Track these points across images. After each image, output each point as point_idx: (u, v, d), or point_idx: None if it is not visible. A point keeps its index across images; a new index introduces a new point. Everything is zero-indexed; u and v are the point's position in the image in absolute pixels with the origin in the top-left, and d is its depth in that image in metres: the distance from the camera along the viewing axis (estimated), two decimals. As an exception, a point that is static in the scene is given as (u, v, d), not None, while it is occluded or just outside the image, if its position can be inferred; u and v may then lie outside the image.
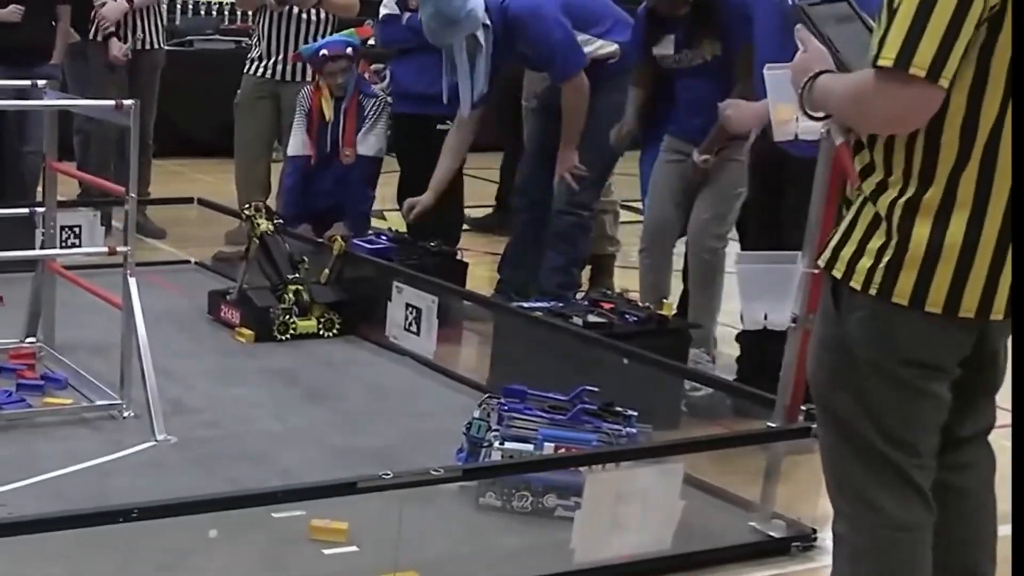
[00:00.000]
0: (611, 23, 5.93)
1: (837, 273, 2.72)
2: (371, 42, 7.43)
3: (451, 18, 5.73)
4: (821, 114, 2.79)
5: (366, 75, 6.85)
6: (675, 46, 5.33)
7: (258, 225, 5.96)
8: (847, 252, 2.71)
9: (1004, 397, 2.94)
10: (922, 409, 2.73)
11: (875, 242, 2.67)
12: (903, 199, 2.64)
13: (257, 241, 5.97)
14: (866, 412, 2.74)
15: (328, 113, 6.59)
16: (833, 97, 2.70)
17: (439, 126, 6.42)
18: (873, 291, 2.66)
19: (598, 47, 5.86)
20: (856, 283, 2.68)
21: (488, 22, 5.80)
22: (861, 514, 2.78)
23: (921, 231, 2.62)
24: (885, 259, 2.65)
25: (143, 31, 7.63)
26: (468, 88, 5.87)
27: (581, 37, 5.83)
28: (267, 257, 5.95)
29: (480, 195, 8.24)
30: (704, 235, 5.30)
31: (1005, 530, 3.09)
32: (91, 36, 7.58)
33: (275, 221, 6.06)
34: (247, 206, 6.16)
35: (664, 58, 5.38)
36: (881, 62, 2.53)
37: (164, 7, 8.05)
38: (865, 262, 2.67)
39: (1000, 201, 2.61)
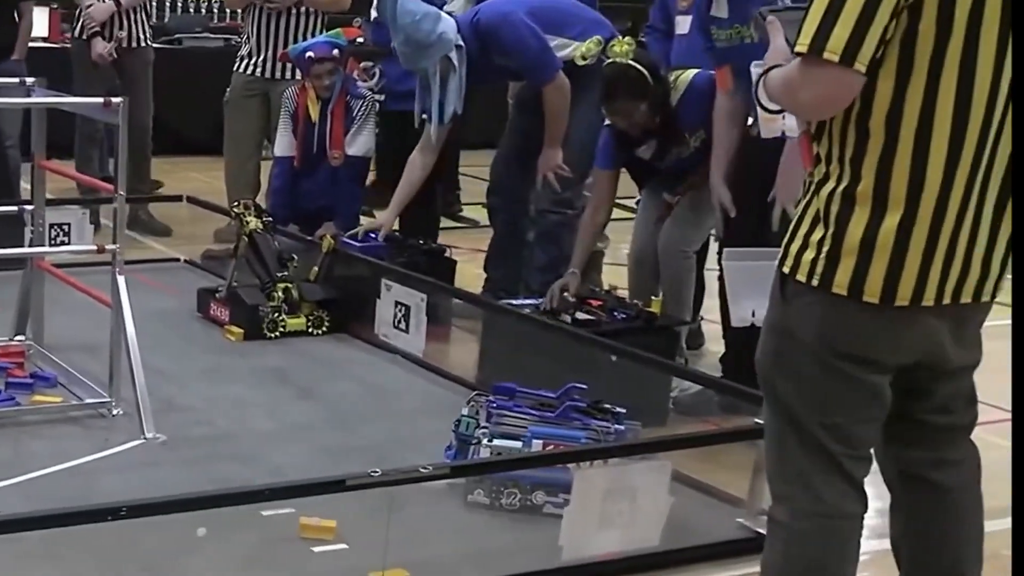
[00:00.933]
0: (584, 24, 5.93)
1: (785, 268, 2.76)
2: (360, 40, 7.42)
3: (422, 43, 5.74)
4: (776, 107, 2.83)
5: (355, 73, 6.84)
6: (657, 151, 5.34)
7: (247, 223, 5.96)
8: (794, 247, 2.75)
9: (999, 396, 2.96)
10: (857, 400, 2.77)
11: (816, 234, 2.70)
12: (839, 189, 2.67)
13: (246, 239, 5.97)
14: (804, 398, 2.78)
15: (314, 114, 6.58)
16: (772, 87, 2.74)
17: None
18: (815, 282, 2.69)
19: (573, 49, 5.87)
20: (801, 276, 2.72)
21: (461, 43, 5.81)
22: (801, 498, 2.81)
23: (856, 221, 2.65)
24: (824, 250, 2.68)
25: (129, 29, 7.63)
26: (439, 112, 5.89)
27: (556, 41, 5.84)
28: (256, 255, 5.95)
29: (477, 193, 8.23)
30: (671, 248, 5.32)
31: (1000, 525, 3.12)
32: (76, 34, 7.59)
33: (264, 218, 6.06)
34: (236, 203, 6.16)
35: (651, 159, 5.39)
36: (798, 48, 2.59)
37: (151, 5, 8.04)
38: (809, 255, 2.71)
39: (933, 191, 2.63)
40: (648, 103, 5.14)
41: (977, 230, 2.69)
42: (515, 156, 6.17)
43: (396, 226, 6.49)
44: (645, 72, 5.16)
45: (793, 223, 2.78)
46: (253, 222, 5.97)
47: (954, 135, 2.62)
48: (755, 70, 3.79)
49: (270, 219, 6.12)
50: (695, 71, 5.25)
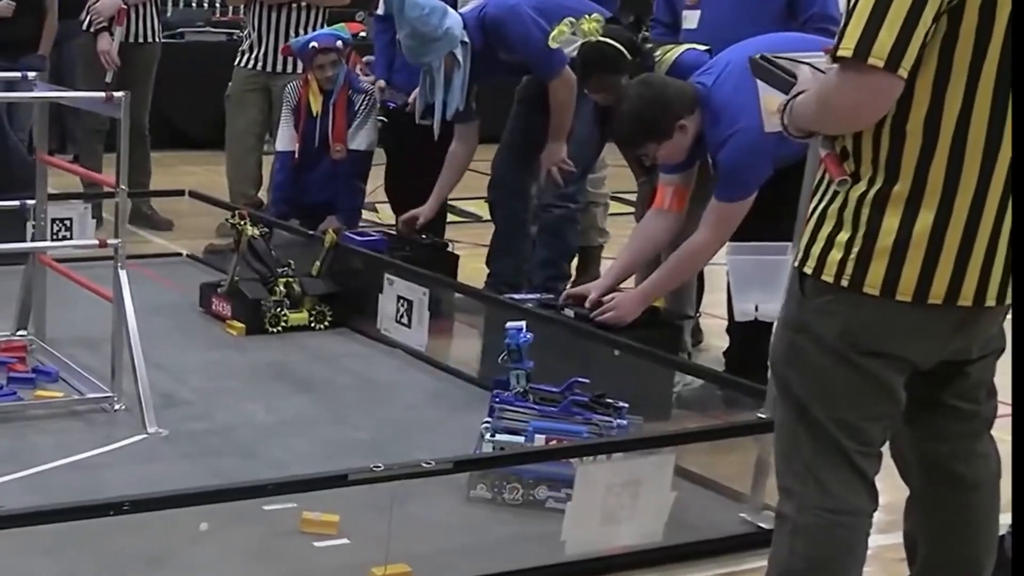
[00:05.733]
0: None
1: (808, 269, 2.75)
2: (363, 35, 7.42)
3: (428, 37, 5.73)
4: (801, 133, 2.80)
5: (357, 67, 6.84)
6: None
7: (244, 232, 5.94)
8: (816, 248, 2.74)
9: (1004, 390, 2.97)
10: (871, 396, 2.77)
11: (844, 235, 2.69)
12: (872, 192, 2.66)
13: (246, 243, 5.95)
14: (818, 393, 2.78)
15: (316, 107, 6.57)
16: (803, 105, 2.72)
17: (421, 120, 6.40)
18: (845, 282, 2.69)
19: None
20: (828, 276, 2.71)
21: (467, 39, 5.80)
22: (809, 493, 2.81)
23: (890, 223, 2.65)
24: (855, 251, 2.67)
25: (136, 24, 7.63)
26: (441, 107, 5.89)
27: None
28: (256, 257, 5.94)
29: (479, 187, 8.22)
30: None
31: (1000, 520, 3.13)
32: (84, 28, 7.61)
33: (260, 228, 6.04)
34: (232, 214, 6.14)
35: None
36: (841, 52, 2.57)
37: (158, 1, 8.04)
38: (835, 255, 2.70)
39: (968, 191, 2.63)
40: (628, 76, 5.10)
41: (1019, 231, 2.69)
42: (517, 151, 6.15)
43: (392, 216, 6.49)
44: (619, 47, 5.13)
45: (813, 224, 2.76)
46: (250, 230, 5.95)
47: (991, 136, 2.62)
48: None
49: (267, 230, 6.12)
50: (683, 48, 5.19)
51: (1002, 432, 3.01)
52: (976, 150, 2.62)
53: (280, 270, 5.90)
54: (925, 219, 2.63)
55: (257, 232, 5.99)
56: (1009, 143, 2.63)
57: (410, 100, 6.39)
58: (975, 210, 2.63)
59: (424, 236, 6.28)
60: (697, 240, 4.80)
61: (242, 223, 5.96)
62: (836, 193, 2.72)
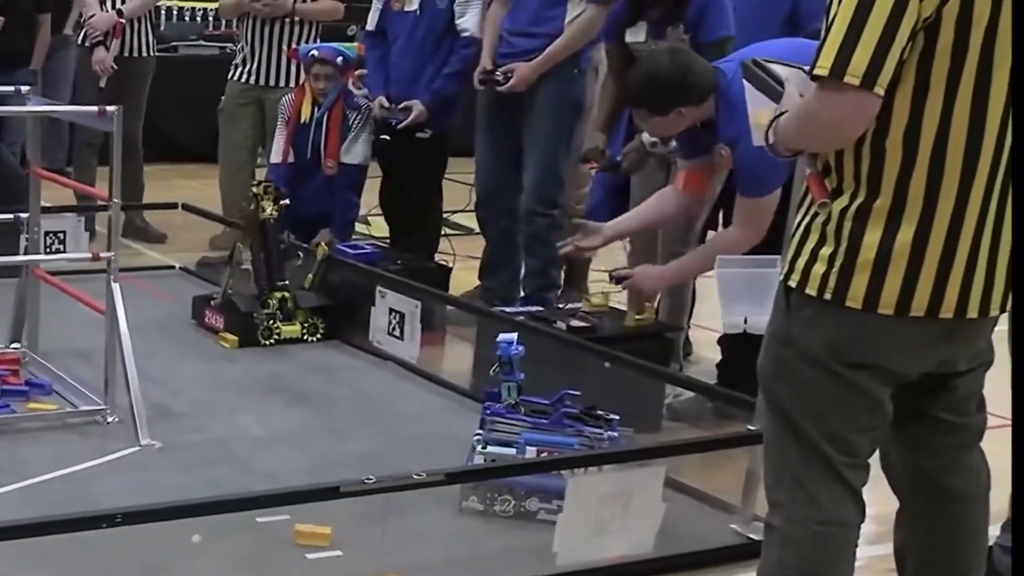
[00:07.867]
0: None
1: (791, 282, 2.77)
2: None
3: None
4: (789, 153, 2.82)
5: (351, 81, 6.85)
6: (648, 33, 5.29)
7: (263, 208, 5.91)
8: (801, 262, 2.76)
9: (990, 401, 3.00)
10: (858, 408, 2.78)
11: (826, 248, 2.71)
12: (853, 206, 2.69)
13: (257, 226, 5.90)
14: (805, 405, 2.80)
15: (305, 115, 6.57)
16: (787, 124, 2.74)
17: (418, 133, 6.42)
18: (828, 296, 2.71)
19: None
20: (812, 289, 2.73)
21: None
22: (797, 505, 2.82)
23: (871, 236, 2.67)
24: (837, 264, 2.69)
25: (132, 38, 7.66)
26: None
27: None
28: (264, 247, 5.90)
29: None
30: (671, 244, 5.32)
31: (994, 529, 3.15)
32: (80, 42, 7.64)
33: (281, 203, 5.95)
34: (255, 183, 6.08)
35: (635, 46, 5.33)
36: (817, 71, 2.59)
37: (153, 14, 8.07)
38: (819, 268, 2.72)
39: (947, 204, 2.65)
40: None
41: (998, 243, 2.72)
42: (497, 165, 6.15)
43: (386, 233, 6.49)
44: None
45: (797, 238, 2.78)
46: (269, 208, 5.92)
47: (969, 151, 2.64)
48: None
49: (286, 202, 6.02)
50: None
51: (991, 444, 3.03)
52: (955, 164, 2.64)
53: (281, 283, 5.88)
54: (906, 232, 2.65)
55: (274, 213, 5.93)
56: (987, 157, 2.65)
57: (413, 115, 6.38)
58: (955, 223, 2.66)
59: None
60: (730, 234, 4.81)
61: (263, 196, 5.92)
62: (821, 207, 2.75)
